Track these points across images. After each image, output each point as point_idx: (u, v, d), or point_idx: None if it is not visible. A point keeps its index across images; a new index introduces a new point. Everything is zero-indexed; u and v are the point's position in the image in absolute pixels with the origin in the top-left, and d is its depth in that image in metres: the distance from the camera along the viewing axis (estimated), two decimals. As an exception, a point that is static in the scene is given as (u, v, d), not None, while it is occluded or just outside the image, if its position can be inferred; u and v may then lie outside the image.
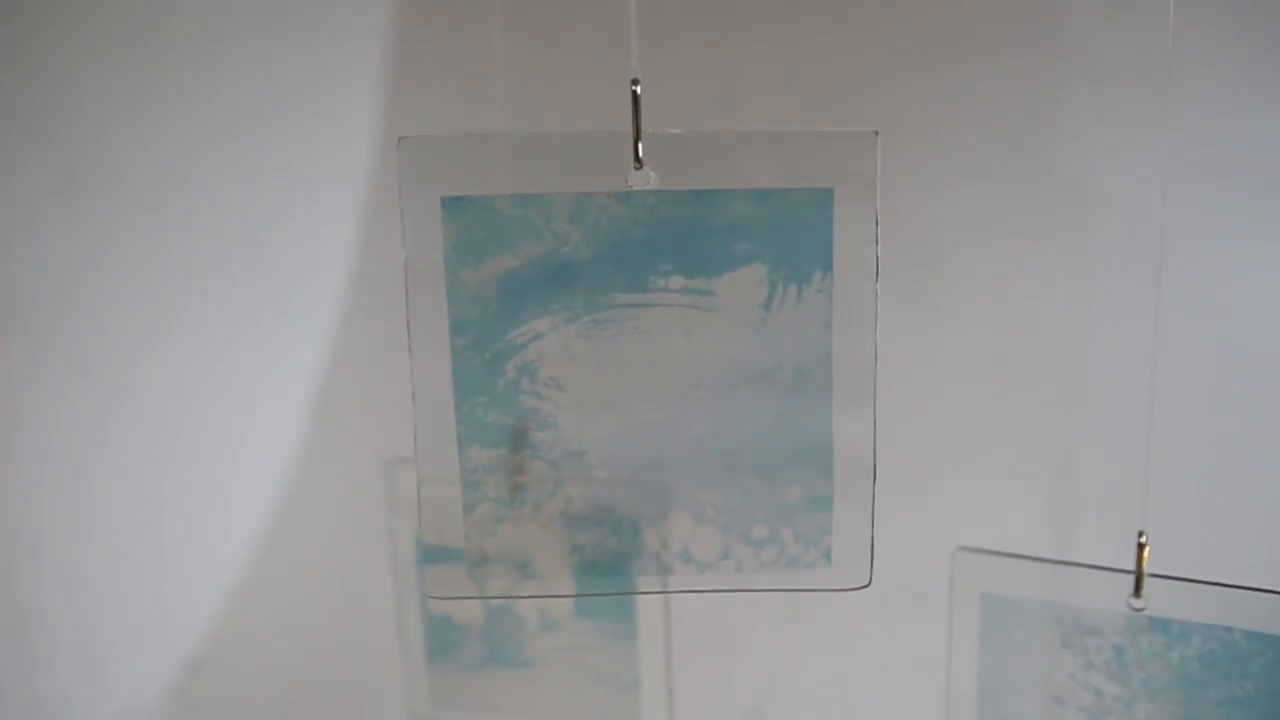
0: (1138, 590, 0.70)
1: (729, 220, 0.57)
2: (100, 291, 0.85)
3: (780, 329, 0.58)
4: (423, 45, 1.03)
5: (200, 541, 0.97)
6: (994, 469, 1.05)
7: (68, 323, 0.82)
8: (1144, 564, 0.70)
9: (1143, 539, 0.70)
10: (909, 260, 1.02)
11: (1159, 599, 0.70)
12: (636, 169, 0.57)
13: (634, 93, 0.56)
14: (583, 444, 0.60)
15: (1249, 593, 0.68)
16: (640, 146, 0.56)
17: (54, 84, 0.80)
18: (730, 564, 0.62)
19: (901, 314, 1.04)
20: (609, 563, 0.63)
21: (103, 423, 0.86)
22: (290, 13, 0.97)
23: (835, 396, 0.59)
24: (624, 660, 1.04)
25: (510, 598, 0.63)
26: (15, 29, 0.76)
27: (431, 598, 0.57)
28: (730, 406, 0.60)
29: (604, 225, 0.58)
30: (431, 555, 0.94)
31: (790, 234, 0.57)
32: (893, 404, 1.06)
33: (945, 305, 1.04)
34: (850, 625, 1.10)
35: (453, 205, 0.57)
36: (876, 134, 0.55)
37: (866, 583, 0.61)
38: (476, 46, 1.00)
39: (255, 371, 1.00)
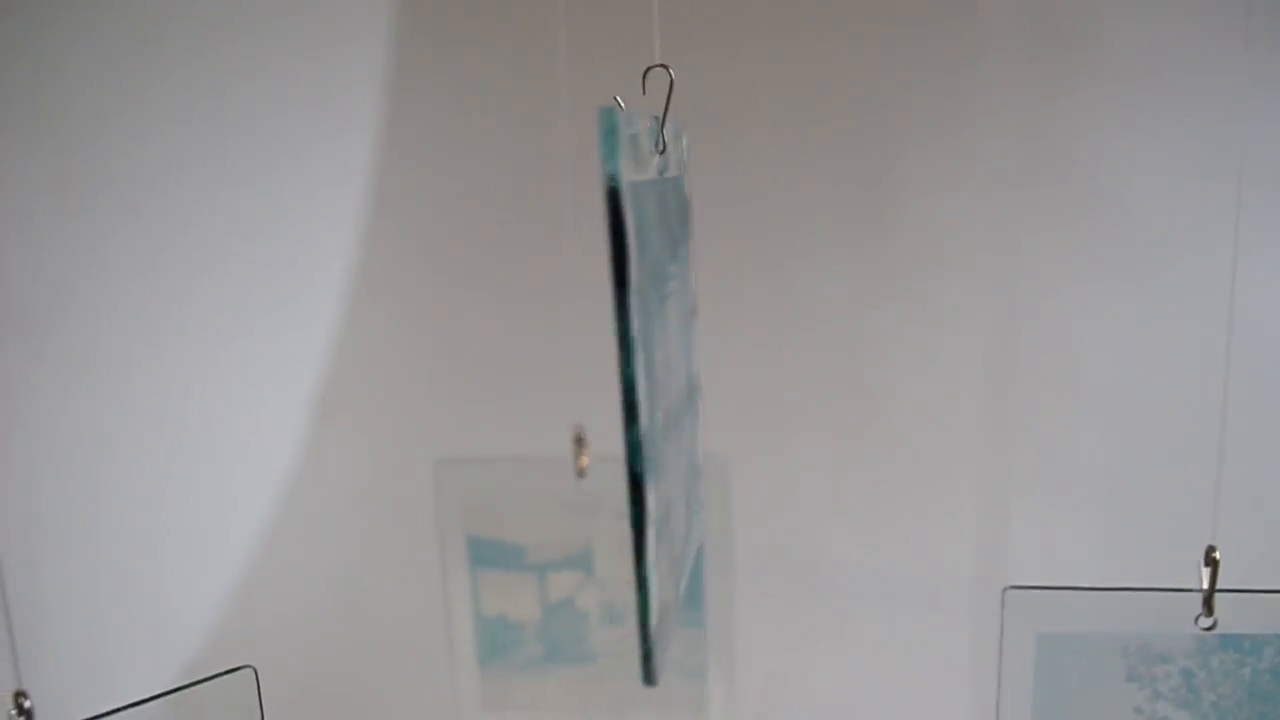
0: (1209, 608, 0.65)
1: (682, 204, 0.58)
2: (97, 290, 0.85)
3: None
4: (421, 44, 1.00)
5: (200, 542, 0.98)
6: (1036, 491, 1.02)
7: (64, 322, 0.82)
8: (1216, 580, 0.65)
9: (1215, 554, 0.65)
10: (919, 261, 1.00)
11: (1228, 615, 0.65)
12: (660, 153, 0.54)
13: (670, 79, 0.54)
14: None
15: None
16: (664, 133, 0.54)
17: (49, 83, 0.79)
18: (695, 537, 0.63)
19: (917, 319, 1.02)
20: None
21: (101, 422, 0.86)
22: (287, 13, 0.94)
23: None
24: (690, 648, 1.02)
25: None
26: (9, 28, 0.75)
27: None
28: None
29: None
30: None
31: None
32: (913, 419, 1.04)
33: (960, 309, 1.01)
34: (894, 669, 1.08)
35: None
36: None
37: None
38: (475, 44, 0.97)
39: (255, 369, 0.99)
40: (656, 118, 0.53)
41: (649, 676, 0.46)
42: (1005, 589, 0.65)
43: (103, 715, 0.51)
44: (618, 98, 0.54)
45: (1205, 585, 0.65)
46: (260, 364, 0.99)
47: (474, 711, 1.00)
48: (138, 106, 0.85)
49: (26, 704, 0.47)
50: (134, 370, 0.88)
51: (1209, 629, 0.65)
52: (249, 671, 0.55)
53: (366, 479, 1.07)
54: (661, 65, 0.54)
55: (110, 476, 0.86)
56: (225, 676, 0.56)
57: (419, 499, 1.00)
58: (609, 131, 0.41)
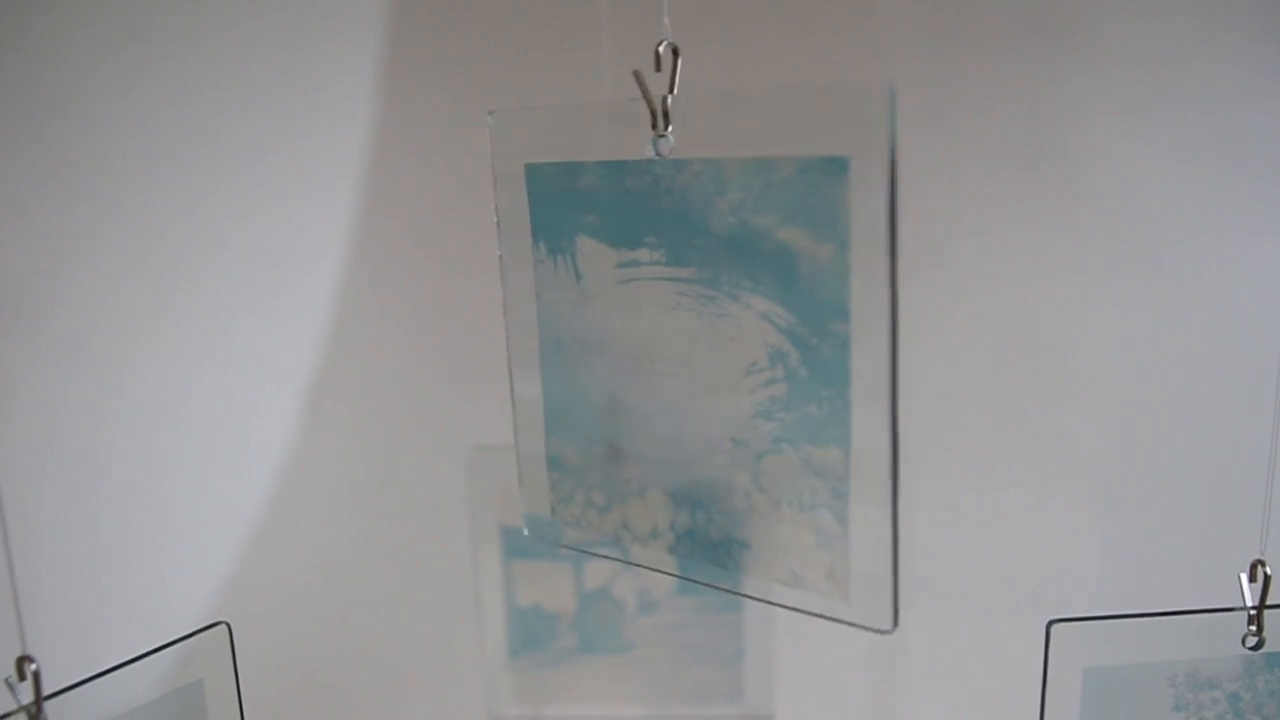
0: (1258, 625, 0.61)
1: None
2: (93, 281, 0.85)
3: None
4: (415, 34, 0.99)
5: (197, 532, 0.97)
6: (1040, 491, 1.00)
7: (61, 312, 0.82)
8: (1267, 595, 0.62)
9: (1266, 569, 0.62)
10: (914, 249, 0.97)
11: (1272, 632, 0.62)
12: (660, 136, 0.52)
13: (674, 53, 0.52)
14: None
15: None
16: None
17: (45, 73, 0.79)
18: None
19: (907, 310, 0.99)
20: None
21: (97, 411, 0.86)
22: (282, 3, 0.94)
23: None
24: (727, 633, 1.01)
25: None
26: (6, 20, 0.76)
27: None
28: None
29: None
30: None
31: None
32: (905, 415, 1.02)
33: (955, 298, 0.99)
34: (936, 676, 1.06)
35: None
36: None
37: None
38: (469, 35, 0.97)
39: (251, 359, 0.98)
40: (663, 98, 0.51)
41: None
42: (1050, 623, 0.61)
43: (90, 679, 0.52)
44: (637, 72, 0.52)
45: (1253, 601, 0.62)
46: (251, 352, 0.99)
47: (505, 704, 1.00)
48: (131, 98, 0.85)
49: (33, 667, 0.48)
50: (130, 359, 0.88)
51: (1255, 648, 0.62)
52: (222, 628, 0.58)
53: (397, 468, 1.07)
54: (670, 43, 0.52)
55: (106, 464, 0.87)
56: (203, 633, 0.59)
57: (452, 488, 0.99)
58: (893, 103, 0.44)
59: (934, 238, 0.98)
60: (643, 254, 0.54)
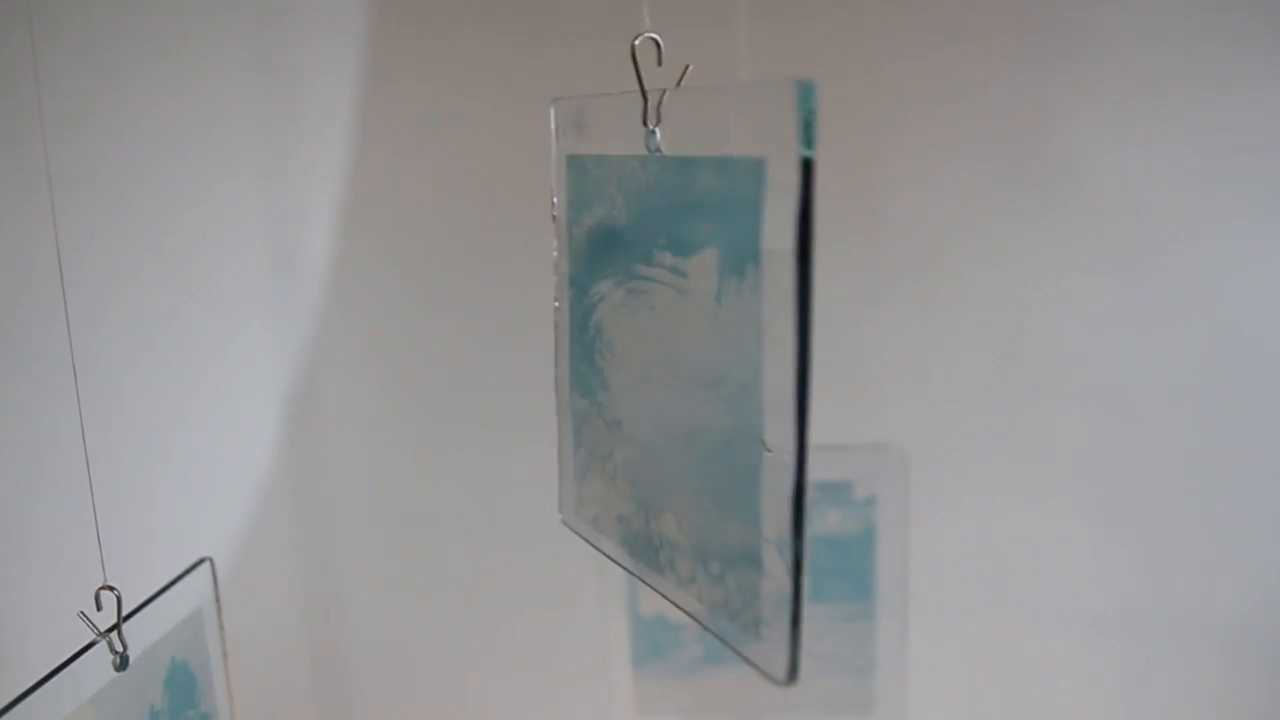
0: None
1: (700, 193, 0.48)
2: (79, 294, 0.83)
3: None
4: (395, 39, 1.01)
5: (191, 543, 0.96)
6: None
7: (48, 327, 0.81)
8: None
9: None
10: (907, 250, 0.98)
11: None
12: (651, 131, 0.49)
13: (659, 48, 0.50)
14: (619, 414, 0.53)
15: None
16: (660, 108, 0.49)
17: (27, 84, 0.78)
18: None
19: (905, 311, 1.00)
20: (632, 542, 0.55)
21: (86, 427, 0.84)
22: (264, 12, 0.96)
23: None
24: (858, 643, 0.98)
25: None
26: None
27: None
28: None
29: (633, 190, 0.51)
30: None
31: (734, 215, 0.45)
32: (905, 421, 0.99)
33: (953, 300, 0.98)
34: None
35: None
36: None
37: None
38: (457, 42, 0.99)
39: (240, 368, 1.00)
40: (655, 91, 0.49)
41: None
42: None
43: (148, 601, 0.58)
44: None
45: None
46: (241, 361, 0.99)
47: (627, 716, 0.98)
48: (111, 106, 0.86)
49: (116, 593, 0.51)
50: (119, 374, 0.89)
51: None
52: (207, 564, 0.64)
53: (504, 471, 1.08)
54: (651, 36, 0.50)
55: (97, 481, 0.88)
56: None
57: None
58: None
59: (924, 238, 0.98)
60: (664, 257, 0.49)
